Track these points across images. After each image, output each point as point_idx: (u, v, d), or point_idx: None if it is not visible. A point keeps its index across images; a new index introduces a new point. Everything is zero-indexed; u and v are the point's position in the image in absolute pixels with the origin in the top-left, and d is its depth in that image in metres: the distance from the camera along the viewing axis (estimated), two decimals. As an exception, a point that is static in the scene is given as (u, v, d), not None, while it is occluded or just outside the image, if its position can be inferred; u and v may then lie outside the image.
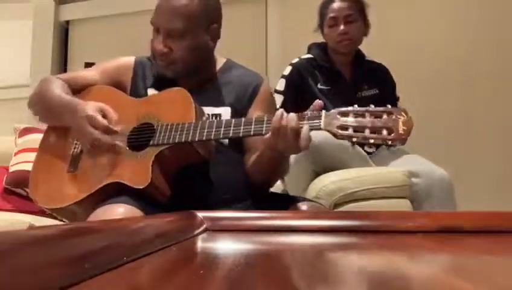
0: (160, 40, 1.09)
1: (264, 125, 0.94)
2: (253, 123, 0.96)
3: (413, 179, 1.46)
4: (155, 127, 1.02)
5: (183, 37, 1.09)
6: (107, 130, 0.99)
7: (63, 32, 3.10)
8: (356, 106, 0.90)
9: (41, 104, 1.13)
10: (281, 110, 0.92)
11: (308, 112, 0.92)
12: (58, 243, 0.33)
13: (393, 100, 1.76)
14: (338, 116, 0.89)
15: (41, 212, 1.67)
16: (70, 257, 0.32)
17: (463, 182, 1.60)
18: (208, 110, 1.11)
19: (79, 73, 1.21)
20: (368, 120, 0.87)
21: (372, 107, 0.89)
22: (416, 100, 2.10)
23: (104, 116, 1.01)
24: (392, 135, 0.85)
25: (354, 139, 0.86)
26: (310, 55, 1.70)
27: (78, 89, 1.16)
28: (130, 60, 1.20)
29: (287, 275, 0.38)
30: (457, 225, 0.67)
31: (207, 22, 1.12)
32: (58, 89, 1.10)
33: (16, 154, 1.84)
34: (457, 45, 2.33)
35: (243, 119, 0.98)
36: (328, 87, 1.64)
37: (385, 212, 0.98)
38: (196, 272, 0.39)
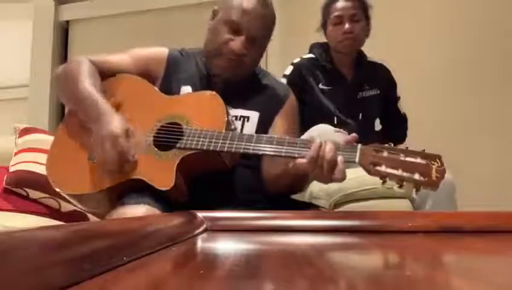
0: (243, 41, 1.08)
1: (297, 148, 0.93)
2: (285, 144, 0.94)
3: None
4: (183, 130, 1.00)
5: (259, 45, 1.12)
6: (125, 157, 0.96)
7: (63, 32, 3.11)
8: (392, 144, 0.90)
9: (67, 88, 1.09)
10: (320, 140, 0.91)
11: (341, 144, 0.91)
12: (58, 243, 0.33)
13: (395, 100, 1.76)
14: (373, 152, 0.89)
15: (42, 213, 1.67)
16: (70, 257, 0.32)
17: (463, 182, 1.60)
18: (237, 111, 1.12)
19: (111, 58, 1.16)
20: (401, 160, 0.87)
21: (407, 148, 0.89)
22: (417, 100, 2.11)
23: (127, 136, 0.98)
24: (425, 179, 0.85)
25: (387, 179, 0.86)
26: (311, 55, 1.70)
27: (108, 75, 1.13)
28: (163, 51, 1.18)
29: (287, 275, 0.38)
30: (457, 225, 0.67)
31: (270, 35, 1.17)
32: (87, 78, 1.06)
33: (16, 154, 1.83)
34: (459, 46, 2.33)
35: (275, 137, 0.97)
36: (329, 87, 1.64)
37: (385, 212, 0.98)
38: (196, 272, 0.39)
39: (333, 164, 0.87)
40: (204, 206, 0.79)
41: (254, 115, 1.13)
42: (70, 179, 1.04)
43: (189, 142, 0.98)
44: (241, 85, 1.15)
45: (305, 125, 1.36)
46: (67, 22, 3.10)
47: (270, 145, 0.95)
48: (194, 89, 1.13)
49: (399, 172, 0.85)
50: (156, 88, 1.12)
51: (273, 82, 1.24)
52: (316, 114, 1.56)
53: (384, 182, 0.87)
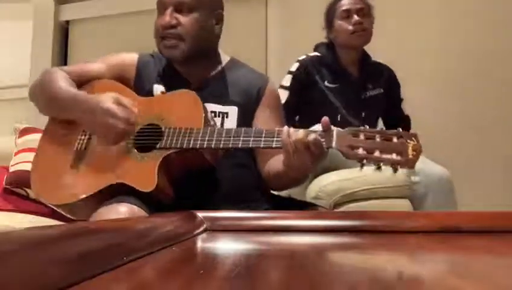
0: (169, 13, 1.08)
1: (275, 138, 0.94)
2: (263, 136, 0.95)
3: (413, 178, 1.46)
4: (162, 130, 1.01)
5: (191, 12, 1.10)
6: (129, 121, 0.98)
7: (63, 32, 3.11)
8: (367, 126, 0.90)
9: (44, 95, 1.11)
10: (286, 127, 0.93)
11: (318, 129, 0.91)
12: (58, 243, 0.33)
13: (398, 102, 1.77)
14: (349, 136, 0.89)
15: (42, 213, 1.67)
16: (70, 257, 0.32)
17: (463, 182, 1.60)
18: (215, 107, 1.11)
19: (84, 66, 1.18)
20: (378, 142, 0.87)
21: (382, 128, 0.89)
22: (418, 100, 2.11)
23: (119, 104, 1.00)
24: (402, 158, 0.85)
25: (364, 161, 0.86)
26: (317, 53, 1.70)
27: (82, 83, 1.14)
28: (133, 57, 1.19)
29: (286, 275, 0.38)
30: (457, 225, 0.67)
31: (213, 6, 1.14)
32: (62, 81, 1.08)
33: (16, 154, 1.83)
34: (461, 46, 2.33)
35: (253, 130, 0.97)
36: (335, 85, 1.64)
37: (385, 212, 0.98)
38: (196, 272, 0.39)
39: (305, 141, 0.88)
40: (190, 207, 0.78)
41: (233, 110, 1.12)
42: (56, 191, 1.04)
43: (168, 141, 0.98)
44: (212, 79, 1.15)
45: (309, 121, 1.35)
46: (67, 22, 3.10)
47: (248, 138, 0.96)
48: (167, 87, 1.12)
49: (376, 154, 0.86)
50: (132, 91, 1.13)
51: (248, 73, 1.22)
52: (321, 110, 1.56)
53: (362, 165, 0.87)
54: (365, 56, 1.72)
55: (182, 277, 0.36)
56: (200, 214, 0.71)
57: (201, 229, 0.67)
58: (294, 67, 1.67)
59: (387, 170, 0.86)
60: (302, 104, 1.62)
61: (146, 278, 0.37)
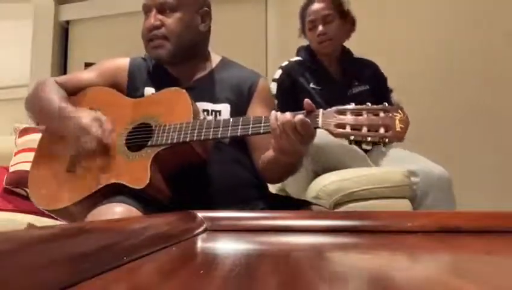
0: (153, 15, 1.11)
1: (262, 124, 0.95)
2: (251, 123, 0.96)
3: (413, 178, 1.46)
4: (153, 128, 1.02)
5: (175, 11, 1.11)
6: (101, 141, 1.00)
7: (63, 32, 3.11)
8: (353, 104, 0.90)
9: (35, 108, 1.13)
10: (273, 111, 0.93)
11: (304, 112, 0.92)
12: (58, 243, 0.33)
13: (387, 94, 1.76)
14: (335, 115, 0.89)
15: (41, 213, 1.67)
16: (70, 257, 0.32)
17: (463, 181, 1.60)
18: (207, 106, 1.12)
19: (76, 75, 1.21)
20: (365, 118, 0.87)
21: (369, 105, 0.89)
22: (416, 99, 2.11)
23: (100, 125, 1.02)
24: (389, 132, 0.85)
25: (352, 138, 0.86)
26: (298, 58, 1.72)
27: (75, 92, 1.16)
28: (124, 61, 1.20)
29: (286, 276, 0.38)
30: (457, 225, 0.67)
31: (197, 4, 1.15)
32: (52, 94, 1.10)
33: (16, 154, 1.84)
34: (459, 45, 2.33)
35: (241, 118, 0.98)
36: (320, 87, 1.65)
37: (385, 212, 0.98)
38: (196, 272, 0.39)
39: (292, 123, 0.88)
40: (186, 205, 0.79)
41: (225, 108, 1.13)
42: (51, 196, 1.06)
43: (159, 138, 0.99)
44: (202, 79, 1.16)
45: None
46: (67, 22, 3.11)
47: (236, 127, 0.96)
48: (158, 89, 1.13)
49: (363, 131, 0.86)
50: (123, 95, 1.15)
51: (239, 70, 1.23)
52: None
53: (350, 142, 0.88)
54: (346, 54, 1.73)
55: (182, 277, 0.36)
56: (200, 214, 0.71)
57: (201, 229, 0.67)
58: (277, 74, 1.69)
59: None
60: (292, 108, 1.63)
61: (146, 278, 0.37)
